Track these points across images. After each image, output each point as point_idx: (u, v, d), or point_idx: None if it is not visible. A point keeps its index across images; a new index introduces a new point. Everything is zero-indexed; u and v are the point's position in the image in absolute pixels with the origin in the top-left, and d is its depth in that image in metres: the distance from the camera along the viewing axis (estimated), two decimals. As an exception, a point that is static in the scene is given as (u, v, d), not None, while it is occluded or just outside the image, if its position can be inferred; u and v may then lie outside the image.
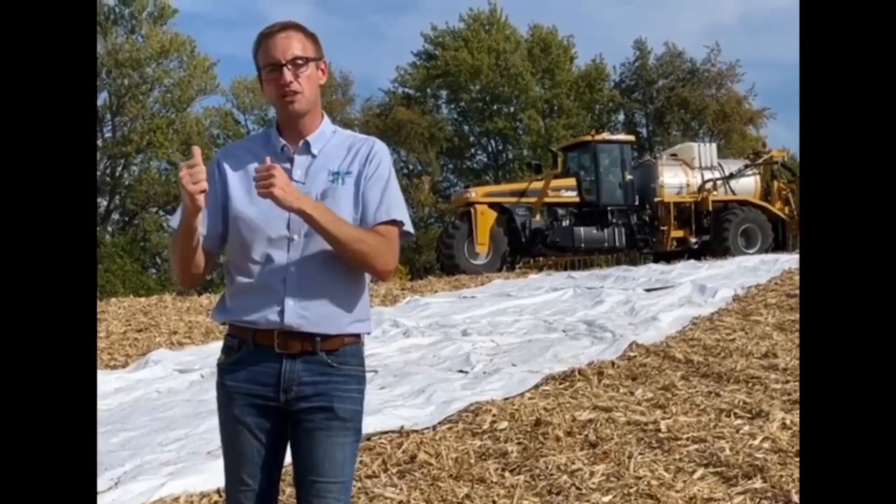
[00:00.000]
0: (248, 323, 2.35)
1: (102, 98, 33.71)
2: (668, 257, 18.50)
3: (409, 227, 2.43)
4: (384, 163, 2.43)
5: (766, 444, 4.40)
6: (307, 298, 2.32)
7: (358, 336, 2.42)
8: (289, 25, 2.38)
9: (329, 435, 2.34)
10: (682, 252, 19.08)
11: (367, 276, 2.45)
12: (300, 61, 2.35)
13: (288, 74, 2.33)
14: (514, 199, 18.71)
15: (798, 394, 5.35)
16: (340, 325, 2.36)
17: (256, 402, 2.36)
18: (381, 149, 2.45)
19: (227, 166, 2.42)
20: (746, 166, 20.41)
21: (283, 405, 2.35)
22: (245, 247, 2.36)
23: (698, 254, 18.42)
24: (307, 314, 2.32)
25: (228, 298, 2.41)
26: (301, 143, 2.41)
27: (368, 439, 4.85)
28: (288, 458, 2.44)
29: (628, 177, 19.33)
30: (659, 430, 4.80)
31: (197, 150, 2.25)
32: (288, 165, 2.38)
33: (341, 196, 2.36)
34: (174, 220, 2.38)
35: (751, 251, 18.11)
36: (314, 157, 2.40)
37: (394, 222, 2.38)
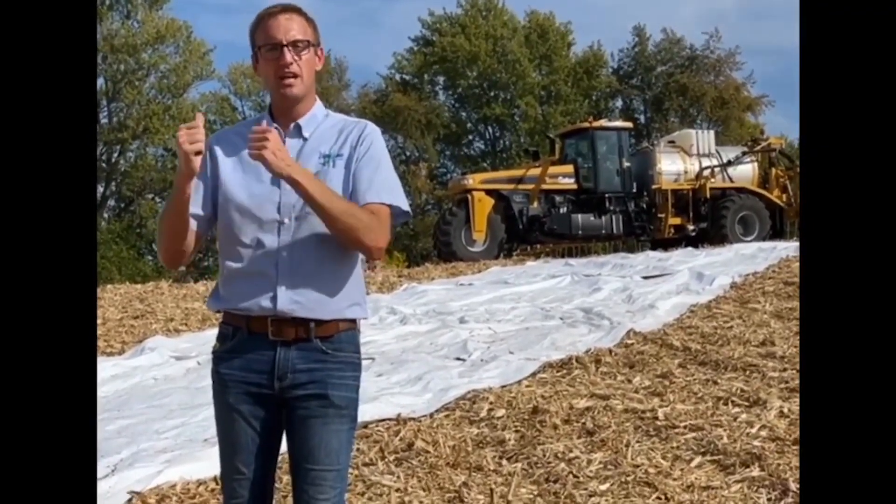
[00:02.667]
0: (241, 310, 2.33)
1: (98, 84, 33.58)
2: (666, 245, 18.48)
3: (404, 206, 2.39)
4: (375, 144, 2.40)
5: (763, 433, 4.40)
6: (300, 283, 2.30)
7: (353, 322, 2.40)
8: (290, 7, 2.37)
9: (324, 422, 2.32)
10: (680, 239, 19.07)
11: (360, 261, 2.43)
12: (301, 44, 2.33)
13: (288, 55, 2.31)
14: (511, 186, 18.66)
15: (795, 382, 5.35)
16: (334, 309, 2.34)
17: (251, 390, 2.34)
18: (372, 130, 2.42)
19: (218, 151, 2.40)
20: (744, 153, 20.37)
21: (278, 393, 2.33)
22: (235, 231, 2.34)
23: (696, 241, 18.41)
24: (300, 299, 2.30)
25: (221, 286, 2.39)
26: (292, 126, 2.39)
27: (365, 427, 4.85)
28: (284, 447, 2.43)
29: (626, 164, 19.29)
30: (656, 418, 4.80)
31: (200, 116, 2.23)
32: None
33: (332, 179, 2.33)
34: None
35: (748, 239, 18.09)
36: (305, 140, 2.38)
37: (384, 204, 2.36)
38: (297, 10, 2.37)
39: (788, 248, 13.23)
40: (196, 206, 2.35)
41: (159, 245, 2.42)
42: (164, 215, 2.35)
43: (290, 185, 2.23)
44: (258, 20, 2.37)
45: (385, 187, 2.36)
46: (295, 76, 2.33)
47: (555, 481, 3.92)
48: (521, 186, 18.65)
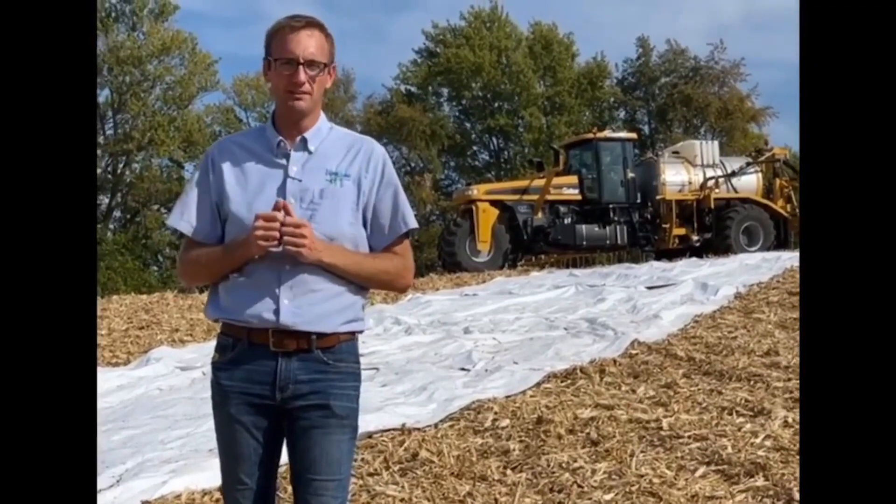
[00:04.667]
0: (242, 321, 2.34)
1: (104, 95, 33.73)
2: (670, 255, 18.46)
3: (415, 224, 2.48)
4: (388, 167, 2.44)
5: (767, 443, 4.39)
6: (302, 297, 2.32)
7: (353, 333, 2.42)
8: (314, 23, 2.36)
9: (326, 433, 2.33)
10: (684, 250, 19.05)
11: None
12: (317, 65, 2.33)
13: (302, 74, 2.31)
14: (515, 197, 18.70)
15: (800, 392, 5.35)
16: (335, 323, 2.36)
17: (252, 401, 2.35)
18: (381, 152, 2.46)
19: (221, 163, 2.40)
20: (748, 164, 20.39)
21: (280, 403, 2.34)
22: None
23: (700, 251, 18.41)
24: (303, 313, 2.31)
25: (222, 295, 2.39)
26: (298, 139, 2.39)
27: (370, 437, 4.85)
28: (284, 456, 2.43)
29: (630, 174, 19.32)
30: (661, 428, 4.79)
31: (286, 206, 2.27)
32: (284, 161, 2.37)
33: (340, 198, 2.35)
34: (182, 224, 2.39)
35: (753, 249, 18.11)
36: (311, 153, 2.39)
37: (406, 234, 2.44)
38: (319, 27, 2.37)
39: (793, 259, 13.22)
40: (211, 228, 2.40)
41: (190, 278, 2.52)
42: (212, 268, 2.39)
43: (322, 266, 2.30)
44: (278, 28, 2.35)
45: (407, 212, 2.45)
46: (305, 94, 2.33)
47: (559, 491, 3.92)
48: (525, 197, 18.68)
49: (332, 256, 2.30)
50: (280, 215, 2.24)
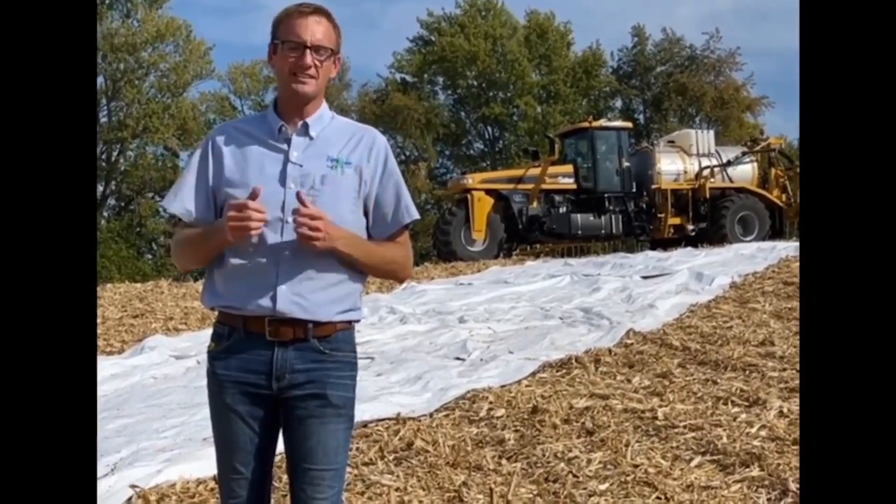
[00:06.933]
0: (238, 309, 2.33)
1: (98, 83, 33.56)
2: (665, 244, 18.46)
3: (417, 214, 2.50)
4: (390, 157, 2.45)
5: (763, 433, 4.40)
6: (300, 284, 2.31)
7: (349, 322, 2.41)
8: (321, 10, 2.38)
9: (322, 422, 2.33)
10: (680, 239, 19.06)
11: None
12: (323, 50, 2.34)
13: (309, 58, 2.32)
14: (510, 186, 18.66)
15: (795, 381, 5.36)
16: (332, 312, 2.35)
17: (248, 391, 2.34)
18: (383, 142, 2.46)
19: (221, 147, 2.38)
20: (744, 153, 20.37)
21: (276, 393, 2.33)
22: None
23: (695, 241, 18.41)
24: (300, 300, 2.30)
25: (219, 282, 2.38)
26: (300, 124, 2.38)
27: (365, 426, 4.85)
28: (280, 446, 2.42)
29: (625, 164, 19.28)
30: (656, 418, 4.80)
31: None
32: (285, 146, 2.36)
33: (341, 185, 2.34)
34: (175, 206, 2.37)
35: (748, 239, 18.10)
36: (312, 139, 2.38)
37: (407, 225, 2.46)
38: (327, 15, 2.38)
39: (788, 248, 13.24)
40: (205, 213, 2.37)
41: (182, 261, 2.46)
42: (193, 247, 2.37)
43: (335, 254, 2.30)
44: (286, 14, 2.37)
45: (409, 202, 2.47)
46: (310, 77, 2.34)
47: (554, 481, 3.92)
48: (520, 186, 18.65)
49: (346, 245, 2.30)
50: (254, 204, 2.21)
